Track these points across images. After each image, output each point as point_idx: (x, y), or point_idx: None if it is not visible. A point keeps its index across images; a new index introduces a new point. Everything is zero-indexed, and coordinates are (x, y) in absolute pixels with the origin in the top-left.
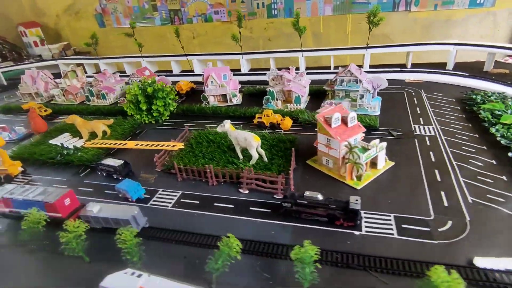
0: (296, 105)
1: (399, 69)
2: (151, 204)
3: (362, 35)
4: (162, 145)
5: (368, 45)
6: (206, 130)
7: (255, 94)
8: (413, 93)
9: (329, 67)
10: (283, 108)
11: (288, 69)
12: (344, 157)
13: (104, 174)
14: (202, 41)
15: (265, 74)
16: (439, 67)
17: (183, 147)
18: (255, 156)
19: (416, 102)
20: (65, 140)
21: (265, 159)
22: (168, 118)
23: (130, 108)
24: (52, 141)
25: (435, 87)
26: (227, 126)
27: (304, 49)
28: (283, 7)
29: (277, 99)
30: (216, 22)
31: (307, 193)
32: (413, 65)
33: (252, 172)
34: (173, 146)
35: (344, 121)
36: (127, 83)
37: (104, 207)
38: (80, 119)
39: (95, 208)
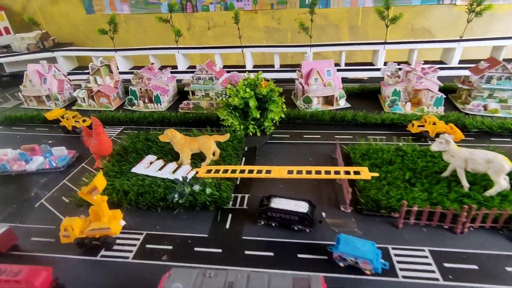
0: (437, 107)
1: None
2: (404, 277)
3: (402, 30)
4: (337, 172)
5: (462, 38)
6: (358, 144)
7: (357, 94)
8: None
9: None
10: (417, 112)
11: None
12: None
13: (274, 224)
14: (219, 32)
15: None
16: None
17: (376, 175)
18: (503, 185)
19: None
20: (156, 166)
21: (507, 186)
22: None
23: (234, 116)
24: (136, 170)
25: None
26: (452, 144)
27: (388, 41)
28: None
29: (404, 101)
30: (238, 10)
31: None
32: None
33: None
34: (356, 173)
35: None
36: (179, 81)
37: None
38: (181, 135)
39: None
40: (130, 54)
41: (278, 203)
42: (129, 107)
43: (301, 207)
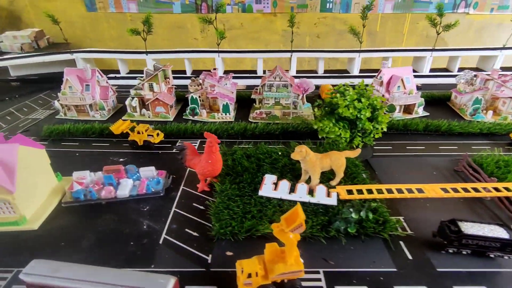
0: None
1: None
2: None
3: (417, 37)
4: (496, 188)
5: (505, 46)
6: (485, 156)
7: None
8: None
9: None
10: (499, 120)
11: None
12: None
13: (466, 252)
14: (234, 35)
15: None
16: None
17: None
18: None
19: None
20: (285, 188)
21: None
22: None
23: (341, 128)
24: (264, 193)
25: None
26: None
27: (436, 48)
28: (340, 0)
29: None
30: (256, 13)
31: None
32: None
33: None
34: None
35: None
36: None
37: None
38: (313, 152)
39: None
40: (163, 58)
41: (471, 228)
42: (191, 117)
43: (498, 231)
